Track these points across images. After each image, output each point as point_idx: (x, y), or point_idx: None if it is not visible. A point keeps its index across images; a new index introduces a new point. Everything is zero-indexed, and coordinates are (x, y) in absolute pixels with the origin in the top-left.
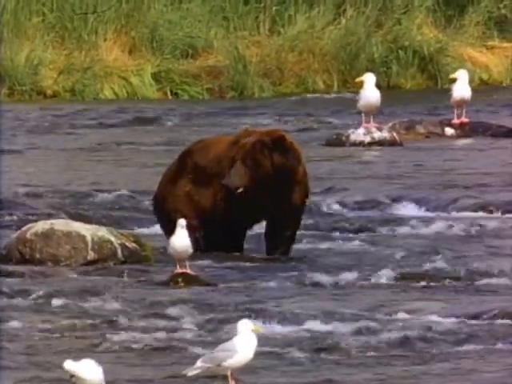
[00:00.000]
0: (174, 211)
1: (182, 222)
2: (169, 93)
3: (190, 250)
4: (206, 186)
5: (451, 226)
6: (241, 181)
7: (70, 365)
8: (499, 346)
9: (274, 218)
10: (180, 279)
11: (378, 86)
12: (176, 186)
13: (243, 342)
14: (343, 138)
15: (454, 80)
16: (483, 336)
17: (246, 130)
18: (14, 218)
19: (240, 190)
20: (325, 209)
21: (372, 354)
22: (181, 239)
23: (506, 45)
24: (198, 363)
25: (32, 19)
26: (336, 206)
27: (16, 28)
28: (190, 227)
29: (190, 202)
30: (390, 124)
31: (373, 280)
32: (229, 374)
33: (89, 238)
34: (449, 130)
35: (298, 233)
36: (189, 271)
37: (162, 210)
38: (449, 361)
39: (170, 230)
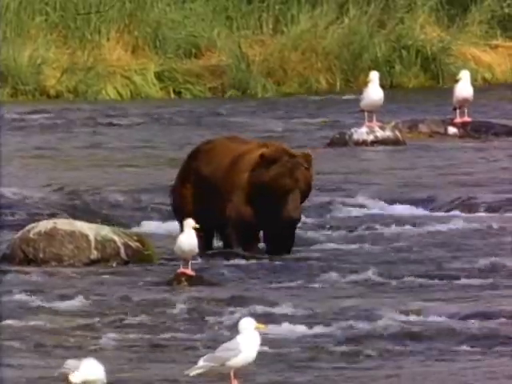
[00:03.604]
0: (180, 209)
1: (189, 221)
2: (172, 92)
3: (196, 250)
4: (205, 190)
5: (454, 226)
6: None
7: (75, 378)
8: (499, 346)
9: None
10: (183, 278)
11: (380, 85)
12: (183, 184)
13: (247, 341)
14: (346, 137)
15: (458, 80)
16: (483, 336)
17: (262, 151)
18: (17, 217)
19: None
20: (328, 208)
21: (372, 353)
22: (187, 239)
23: (509, 44)
24: (201, 362)
25: (35, 18)
26: (339, 205)
27: (19, 27)
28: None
29: (191, 203)
30: (393, 123)
31: (374, 279)
32: (231, 373)
33: (92, 238)
34: (451, 129)
35: (300, 232)
36: (192, 271)
37: (172, 206)
38: (449, 361)
39: (180, 226)
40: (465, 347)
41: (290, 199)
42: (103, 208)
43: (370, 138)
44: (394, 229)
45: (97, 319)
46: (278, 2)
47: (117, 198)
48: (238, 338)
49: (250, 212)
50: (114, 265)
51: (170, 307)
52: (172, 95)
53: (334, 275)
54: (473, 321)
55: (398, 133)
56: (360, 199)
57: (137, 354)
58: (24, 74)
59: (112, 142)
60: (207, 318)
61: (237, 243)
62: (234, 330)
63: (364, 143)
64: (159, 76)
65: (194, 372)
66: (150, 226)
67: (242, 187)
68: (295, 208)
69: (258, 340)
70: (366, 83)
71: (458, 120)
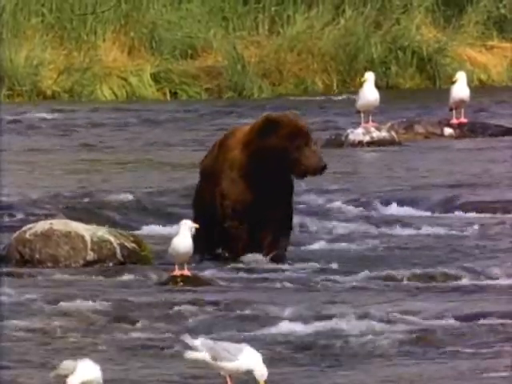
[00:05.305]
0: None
1: (185, 222)
2: (168, 93)
3: (191, 253)
4: (207, 185)
5: (450, 226)
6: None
7: (73, 380)
8: (499, 346)
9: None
10: (179, 279)
11: (376, 86)
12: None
13: (248, 356)
14: (342, 138)
15: (454, 81)
16: (483, 336)
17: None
18: (14, 218)
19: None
20: (323, 209)
21: (372, 354)
22: (182, 241)
23: (505, 45)
24: (198, 342)
25: (31, 19)
26: (334, 207)
27: (15, 28)
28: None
29: (197, 199)
30: (389, 124)
31: (372, 280)
32: (227, 375)
33: (88, 238)
34: (447, 130)
35: (296, 233)
36: (188, 271)
37: None
38: (449, 361)
39: None
40: (463, 347)
41: (307, 151)
42: (99, 209)
43: (366, 138)
44: (389, 229)
45: (92, 320)
46: (274, 3)
47: (113, 198)
48: (245, 348)
49: (241, 189)
50: (110, 266)
51: (166, 308)
52: (168, 96)
53: (331, 276)
54: (475, 321)
55: (394, 134)
56: (355, 200)
57: (133, 355)
58: (20, 75)
59: (108, 143)
60: (203, 319)
61: (230, 221)
62: (230, 329)
63: (360, 144)
64: (155, 77)
65: (190, 355)
66: (147, 227)
67: (234, 166)
68: (316, 157)
69: (256, 364)
70: (361, 83)
71: (454, 121)
